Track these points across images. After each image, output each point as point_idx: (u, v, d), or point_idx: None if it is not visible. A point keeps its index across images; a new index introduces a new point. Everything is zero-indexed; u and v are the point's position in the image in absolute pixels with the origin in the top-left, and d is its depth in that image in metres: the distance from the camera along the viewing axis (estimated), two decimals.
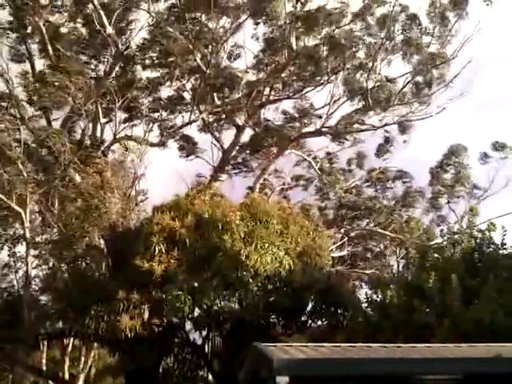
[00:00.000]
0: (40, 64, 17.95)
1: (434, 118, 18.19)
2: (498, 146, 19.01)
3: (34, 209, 16.29)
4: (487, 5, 16.59)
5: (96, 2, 16.12)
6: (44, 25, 16.91)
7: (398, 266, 17.69)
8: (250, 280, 13.50)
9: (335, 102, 18.54)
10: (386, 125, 18.85)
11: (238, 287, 13.63)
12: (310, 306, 16.22)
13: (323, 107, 18.97)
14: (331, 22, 17.18)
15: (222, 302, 13.85)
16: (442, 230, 18.01)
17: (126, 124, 19.41)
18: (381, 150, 20.13)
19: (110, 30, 16.82)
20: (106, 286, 14.86)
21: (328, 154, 21.02)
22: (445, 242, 15.06)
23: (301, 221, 15.99)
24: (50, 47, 17.08)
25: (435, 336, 11.09)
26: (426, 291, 12.44)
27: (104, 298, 14.66)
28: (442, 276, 12.54)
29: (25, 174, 14.83)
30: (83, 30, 18.30)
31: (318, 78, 18.15)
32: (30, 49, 17.60)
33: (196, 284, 13.43)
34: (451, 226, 16.01)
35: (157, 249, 13.48)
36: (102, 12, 16.36)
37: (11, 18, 17.07)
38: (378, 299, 14.51)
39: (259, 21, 17.37)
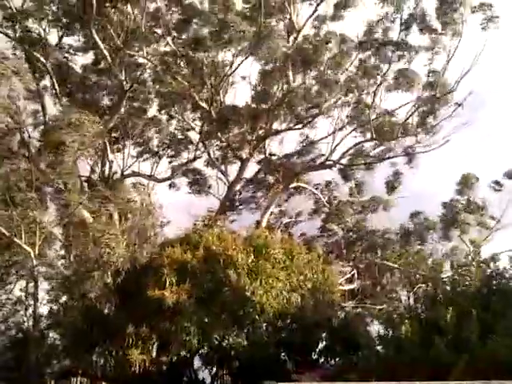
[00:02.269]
0: (50, 102, 18.30)
1: (443, 147, 18.18)
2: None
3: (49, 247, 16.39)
4: (483, 29, 16.61)
5: (102, 46, 16.49)
6: (53, 64, 17.30)
7: (409, 300, 17.42)
8: (257, 317, 13.31)
9: (340, 130, 18.56)
10: (391, 157, 18.94)
11: (246, 323, 13.45)
12: (321, 343, 16.06)
13: (326, 137, 19.10)
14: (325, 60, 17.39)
15: (231, 339, 13.66)
16: (452, 262, 17.78)
17: (134, 160, 19.69)
18: (389, 186, 20.12)
19: (116, 70, 17.20)
20: (114, 321, 14.78)
21: (328, 183, 20.89)
22: (455, 276, 14.90)
23: (305, 253, 15.89)
24: (57, 87, 17.43)
25: (451, 373, 10.83)
26: (441, 326, 12.22)
27: (112, 333, 14.59)
28: (457, 310, 12.38)
29: (35, 214, 14.91)
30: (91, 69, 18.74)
31: (316, 111, 18.32)
32: (40, 88, 17.97)
33: (205, 318, 13.30)
34: (459, 259, 15.76)
35: (167, 280, 13.43)
36: (107, 54, 16.74)
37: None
38: (391, 335, 14.32)
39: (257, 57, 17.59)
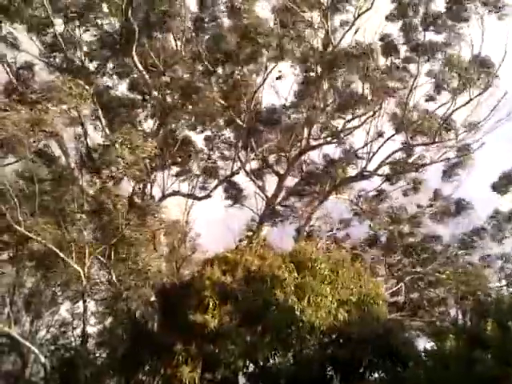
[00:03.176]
0: (91, 127, 18.85)
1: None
2: None
3: (93, 266, 16.84)
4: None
5: (144, 71, 16.87)
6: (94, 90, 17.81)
7: (457, 314, 16.87)
8: (307, 336, 13.17)
9: (379, 136, 18.29)
10: (428, 164, 18.50)
11: (294, 342, 13.33)
12: (367, 358, 15.73)
13: (364, 147, 18.86)
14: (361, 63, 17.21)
15: (277, 358, 13.59)
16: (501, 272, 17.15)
17: (174, 179, 19.97)
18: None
19: (154, 92, 17.59)
20: (160, 340, 14.99)
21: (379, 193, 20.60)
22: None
23: (351, 266, 15.66)
24: (100, 111, 17.91)
25: None
26: (485, 340, 11.79)
27: (159, 351, 14.80)
28: (501, 323, 11.93)
29: (85, 234, 15.38)
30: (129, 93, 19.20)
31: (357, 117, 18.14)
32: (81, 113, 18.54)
33: (250, 340, 13.26)
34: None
35: (210, 303, 13.48)
36: (147, 78, 17.12)
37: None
38: (438, 350, 13.89)
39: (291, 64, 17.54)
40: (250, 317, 13.39)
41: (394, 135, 18.63)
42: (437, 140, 17.86)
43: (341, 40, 18.03)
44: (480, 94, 17.09)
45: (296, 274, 13.48)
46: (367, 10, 17.63)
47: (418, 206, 20.25)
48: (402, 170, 19.32)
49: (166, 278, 16.89)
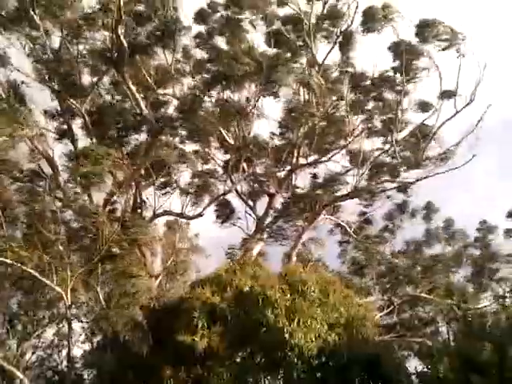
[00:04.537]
0: (83, 144, 18.80)
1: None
2: None
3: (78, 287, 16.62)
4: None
5: (134, 90, 16.95)
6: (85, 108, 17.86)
7: (448, 334, 16.87)
8: (295, 359, 13.06)
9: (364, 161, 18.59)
10: (413, 182, 18.73)
11: (283, 365, 13.19)
12: (357, 380, 15.61)
13: (352, 169, 19.06)
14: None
15: (267, 381, 13.43)
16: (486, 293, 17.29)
17: (166, 198, 19.90)
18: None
19: (145, 110, 17.63)
20: (148, 362, 14.76)
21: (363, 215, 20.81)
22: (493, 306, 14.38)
23: (341, 289, 15.64)
24: (90, 126, 17.95)
25: None
26: (480, 364, 11.73)
27: (148, 374, 14.55)
28: (497, 346, 11.88)
29: (65, 256, 15.23)
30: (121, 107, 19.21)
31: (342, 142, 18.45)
32: (73, 131, 18.56)
33: (239, 361, 13.12)
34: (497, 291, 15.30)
35: (199, 324, 13.35)
36: (138, 96, 17.20)
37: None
38: (429, 372, 13.82)
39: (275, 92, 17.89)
40: (240, 338, 13.26)
41: (380, 154, 18.83)
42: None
43: (324, 60, 18.31)
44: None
45: (288, 296, 13.36)
46: (348, 27, 17.97)
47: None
48: (390, 188, 19.48)
49: (155, 298, 16.74)
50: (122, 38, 16.08)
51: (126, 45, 16.17)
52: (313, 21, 17.68)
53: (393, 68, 18.18)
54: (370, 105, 19.03)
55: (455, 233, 19.91)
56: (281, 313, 13.10)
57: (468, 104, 17.33)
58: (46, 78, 17.52)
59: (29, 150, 17.14)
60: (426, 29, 17.48)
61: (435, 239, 19.97)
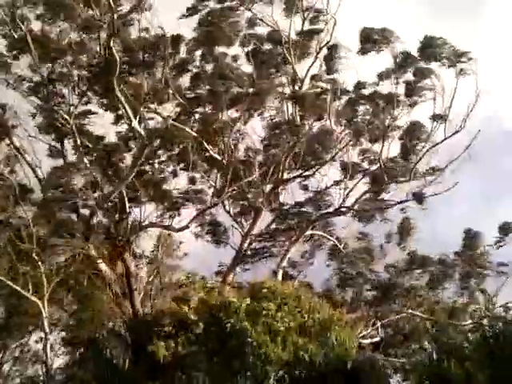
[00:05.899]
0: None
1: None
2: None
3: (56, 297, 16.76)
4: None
5: (126, 105, 17.28)
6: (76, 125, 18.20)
7: (432, 351, 16.67)
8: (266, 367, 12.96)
9: (351, 177, 18.67)
10: (403, 201, 18.73)
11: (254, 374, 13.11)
12: None
13: (338, 184, 19.13)
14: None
15: None
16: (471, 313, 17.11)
17: (152, 211, 20.04)
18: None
19: (135, 123, 17.90)
20: (126, 374, 14.77)
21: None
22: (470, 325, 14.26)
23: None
24: (79, 143, 18.27)
25: None
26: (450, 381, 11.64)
27: None
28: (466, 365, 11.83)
29: (40, 266, 15.40)
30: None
31: (325, 158, 18.60)
32: (64, 147, 18.91)
33: (210, 369, 13.14)
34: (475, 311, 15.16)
35: (170, 334, 13.44)
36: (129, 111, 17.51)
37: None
38: None
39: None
40: (210, 347, 13.28)
41: (366, 175, 18.95)
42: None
43: (307, 74, 18.60)
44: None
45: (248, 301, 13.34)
46: (327, 43, 18.24)
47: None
48: (378, 207, 19.45)
49: (137, 311, 16.83)
50: (114, 51, 16.45)
51: (117, 58, 16.50)
52: (292, 36, 17.98)
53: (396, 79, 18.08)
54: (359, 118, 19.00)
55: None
56: (243, 317, 12.97)
57: (457, 132, 17.45)
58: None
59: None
60: (429, 48, 17.57)
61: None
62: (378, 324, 19.13)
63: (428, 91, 18.01)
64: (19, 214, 15.96)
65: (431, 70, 17.67)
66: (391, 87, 18.03)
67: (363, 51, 17.97)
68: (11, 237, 15.50)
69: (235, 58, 18.44)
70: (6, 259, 14.89)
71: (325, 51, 18.52)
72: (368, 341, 18.62)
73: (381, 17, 18.56)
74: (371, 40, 17.74)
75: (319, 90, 18.13)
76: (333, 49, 18.45)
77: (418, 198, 18.20)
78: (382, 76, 18.14)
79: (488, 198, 24.31)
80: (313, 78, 18.90)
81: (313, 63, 18.49)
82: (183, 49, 18.12)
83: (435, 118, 17.91)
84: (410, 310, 18.95)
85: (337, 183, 19.11)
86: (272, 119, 18.66)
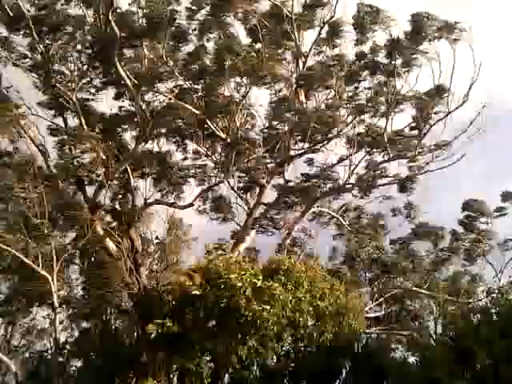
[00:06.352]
0: None
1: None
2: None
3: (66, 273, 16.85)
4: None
5: (126, 78, 16.96)
6: (78, 100, 18.00)
7: (436, 327, 16.77)
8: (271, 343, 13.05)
9: (356, 152, 18.50)
10: (408, 176, 18.54)
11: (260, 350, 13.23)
12: (344, 371, 15.58)
13: (343, 160, 18.95)
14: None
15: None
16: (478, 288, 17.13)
17: (158, 189, 19.99)
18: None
19: (139, 101, 17.70)
20: (131, 350, 14.94)
21: (355, 209, 20.74)
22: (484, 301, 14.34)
23: (329, 280, 15.56)
24: (83, 120, 18.09)
25: None
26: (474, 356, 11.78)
27: (131, 361, 14.73)
28: (487, 338, 11.93)
29: (51, 241, 15.41)
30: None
31: (331, 134, 18.40)
32: (67, 124, 18.75)
33: (212, 347, 13.21)
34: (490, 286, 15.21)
35: (175, 310, 13.51)
36: (130, 84, 17.22)
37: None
38: (420, 363, 13.87)
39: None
40: (210, 323, 13.34)
41: (370, 151, 18.75)
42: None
43: (310, 51, 18.25)
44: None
45: (256, 281, 13.30)
46: (331, 18, 17.85)
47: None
48: (383, 183, 19.32)
49: (144, 286, 16.91)
50: (113, 24, 16.11)
51: (117, 32, 16.16)
52: (296, 10, 17.59)
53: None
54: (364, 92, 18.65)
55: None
56: (250, 296, 12.98)
57: (462, 104, 17.15)
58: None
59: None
60: (420, 22, 17.27)
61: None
62: (381, 299, 19.24)
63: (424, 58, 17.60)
64: (28, 191, 15.86)
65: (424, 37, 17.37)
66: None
67: (360, 31, 17.77)
68: (23, 212, 15.48)
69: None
70: (17, 235, 14.86)
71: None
72: (372, 315, 18.78)
73: None
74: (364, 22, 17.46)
75: (324, 66, 17.70)
76: (336, 24, 18.09)
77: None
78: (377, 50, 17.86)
79: (491, 177, 24.08)
80: (317, 53, 18.57)
81: (316, 39, 18.09)
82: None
83: (437, 91, 17.53)
84: (414, 288, 19.00)
85: (342, 160, 18.91)
86: (277, 93, 18.29)
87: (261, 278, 13.19)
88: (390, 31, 17.41)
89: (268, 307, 12.75)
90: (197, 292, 13.22)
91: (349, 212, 20.71)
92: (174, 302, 13.81)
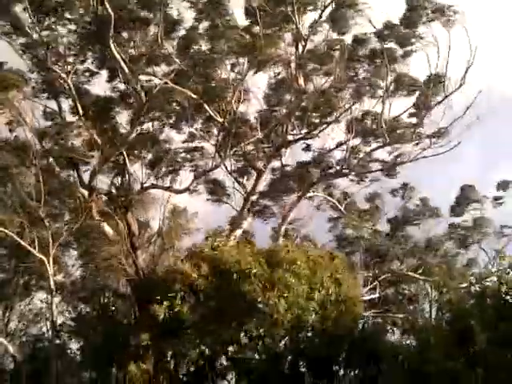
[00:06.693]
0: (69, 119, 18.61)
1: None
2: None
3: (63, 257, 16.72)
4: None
5: (121, 61, 16.66)
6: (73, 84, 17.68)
7: (431, 310, 17.04)
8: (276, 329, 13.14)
9: (353, 138, 18.47)
10: (405, 162, 18.64)
11: (260, 335, 13.33)
12: (342, 354, 15.80)
13: (340, 145, 18.94)
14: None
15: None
16: (472, 274, 17.37)
17: (155, 172, 19.81)
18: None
19: (134, 83, 17.41)
20: (129, 333, 14.98)
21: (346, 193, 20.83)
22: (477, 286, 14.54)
23: (329, 266, 15.67)
24: (79, 104, 17.80)
25: None
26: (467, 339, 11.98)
27: (127, 344, 14.79)
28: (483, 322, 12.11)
29: (46, 223, 15.28)
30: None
31: (328, 119, 18.31)
32: (62, 108, 18.44)
33: (217, 331, 13.25)
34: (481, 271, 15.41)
35: (178, 296, 13.46)
36: (125, 67, 16.92)
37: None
38: (415, 345, 14.08)
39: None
40: (217, 309, 13.37)
41: (367, 137, 18.74)
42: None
43: (310, 34, 17.95)
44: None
45: (266, 269, 13.34)
46: (332, 1, 17.63)
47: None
48: (380, 169, 19.37)
49: (141, 270, 16.89)
50: (107, 4, 15.75)
51: (111, 13, 15.83)
52: None
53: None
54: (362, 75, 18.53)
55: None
56: (257, 285, 13.03)
57: (458, 88, 17.11)
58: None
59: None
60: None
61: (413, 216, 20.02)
62: (376, 283, 19.45)
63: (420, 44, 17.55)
64: (24, 175, 15.66)
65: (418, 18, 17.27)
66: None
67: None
68: (20, 196, 15.32)
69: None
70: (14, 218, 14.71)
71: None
72: (367, 297, 19.01)
73: None
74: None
75: (324, 49, 17.54)
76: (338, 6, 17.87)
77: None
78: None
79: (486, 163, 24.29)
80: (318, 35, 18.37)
81: (317, 21, 17.77)
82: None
83: (433, 78, 17.46)
84: (409, 272, 19.22)
85: (340, 145, 18.89)
86: (276, 76, 18.13)
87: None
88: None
89: (285, 295, 12.72)
90: (202, 284, 13.21)
91: (345, 196, 20.73)
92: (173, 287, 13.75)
